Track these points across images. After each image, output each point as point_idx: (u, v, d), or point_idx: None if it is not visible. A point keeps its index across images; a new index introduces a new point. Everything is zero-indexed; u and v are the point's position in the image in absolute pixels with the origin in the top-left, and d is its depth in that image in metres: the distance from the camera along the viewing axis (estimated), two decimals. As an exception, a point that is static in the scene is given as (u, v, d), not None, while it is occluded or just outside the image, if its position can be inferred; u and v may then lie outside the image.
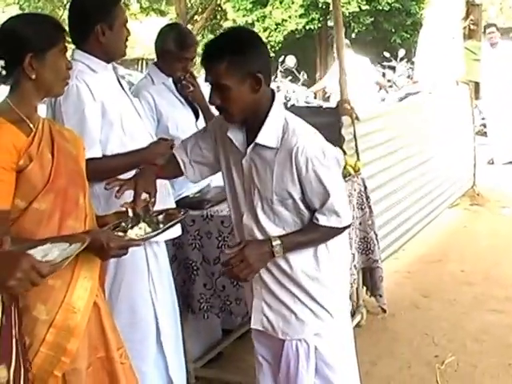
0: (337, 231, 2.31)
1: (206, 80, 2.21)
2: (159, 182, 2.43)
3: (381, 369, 3.61)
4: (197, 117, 3.53)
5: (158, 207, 2.33)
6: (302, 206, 2.26)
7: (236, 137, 2.29)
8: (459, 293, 4.62)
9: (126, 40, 2.80)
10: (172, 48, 3.40)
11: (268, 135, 2.21)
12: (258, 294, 2.38)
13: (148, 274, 2.83)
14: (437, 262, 5.30)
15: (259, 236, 2.29)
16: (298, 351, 2.35)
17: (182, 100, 3.50)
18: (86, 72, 2.66)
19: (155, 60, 3.59)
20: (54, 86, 2.04)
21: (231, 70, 2.12)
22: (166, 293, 2.95)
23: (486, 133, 9.73)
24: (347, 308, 2.57)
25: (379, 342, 3.94)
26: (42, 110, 2.44)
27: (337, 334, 2.41)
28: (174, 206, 2.93)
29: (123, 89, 2.86)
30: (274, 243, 2.22)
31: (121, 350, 2.22)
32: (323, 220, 2.26)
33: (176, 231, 2.94)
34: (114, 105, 2.69)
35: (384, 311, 4.23)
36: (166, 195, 2.83)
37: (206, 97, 2.63)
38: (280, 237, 2.24)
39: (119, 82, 2.86)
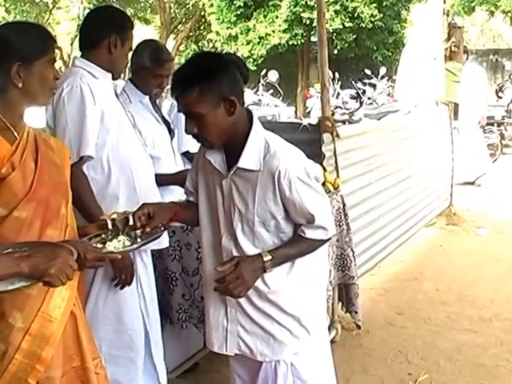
0: (323, 242, 2.34)
1: (179, 110, 2.19)
2: None
3: (354, 385, 3.62)
4: (171, 135, 3.55)
5: None
6: (283, 225, 2.27)
7: (215, 158, 2.28)
8: (433, 311, 4.67)
9: (126, 65, 2.88)
10: (147, 64, 3.38)
11: (249, 158, 2.19)
12: (233, 317, 2.37)
13: (137, 282, 2.86)
14: (412, 281, 5.34)
15: None
16: (277, 372, 2.35)
17: (158, 118, 3.51)
18: (88, 77, 2.70)
19: (130, 76, 3.57)
20: (41, 95, 2.03)
21: (203, 97, 2.09)
22: (154, 300, 2.99)
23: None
24: (324, 322, 2.58)
25: (353, 358, 3.95)
26: (40, 110, 2.46)
27: (314, 351, 2.42)
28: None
29: (118, 98, 2.90)
30: (265, 258, 2.22)
31: (96, 359, 2.21)
32: (310, 233, 2.27)
33: (163, 242, 2.95)
34: (111, 112, 2.73)
35: (358, 327, 4.24)
36: None
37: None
38: (270, 251, 2.24)
39: (115, 92, 2.91)
